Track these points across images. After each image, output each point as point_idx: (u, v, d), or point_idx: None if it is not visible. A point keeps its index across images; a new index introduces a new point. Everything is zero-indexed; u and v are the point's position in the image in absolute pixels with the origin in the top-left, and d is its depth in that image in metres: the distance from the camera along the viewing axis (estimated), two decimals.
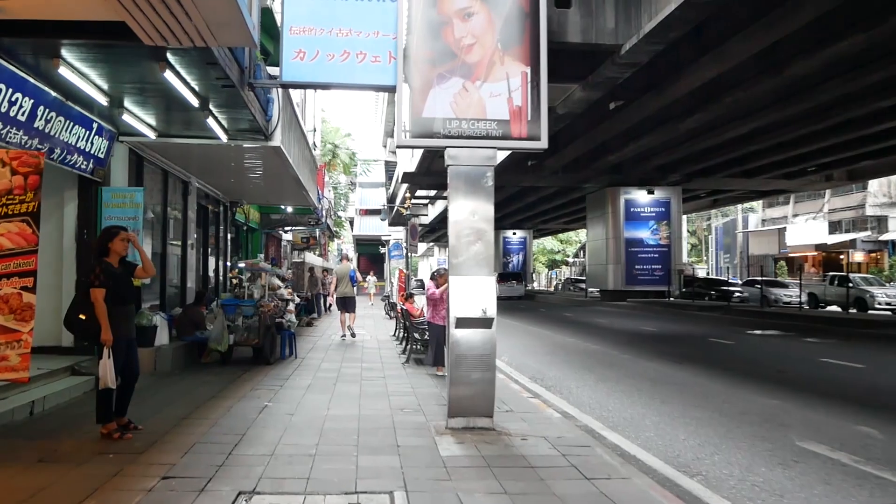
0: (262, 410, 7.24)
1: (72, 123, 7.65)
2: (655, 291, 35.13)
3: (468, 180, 6.78)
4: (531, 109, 6.76)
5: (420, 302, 14.80)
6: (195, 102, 7.52)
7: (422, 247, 76.75)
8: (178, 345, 10.22)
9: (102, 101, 7.44)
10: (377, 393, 8.50)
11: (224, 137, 8.97)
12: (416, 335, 11.47)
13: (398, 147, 7.01)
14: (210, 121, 8.30)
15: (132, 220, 8.54)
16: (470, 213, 6.73)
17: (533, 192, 41.24)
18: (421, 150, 31.24)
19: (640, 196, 35.42)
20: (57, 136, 7.41)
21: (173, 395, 8.20)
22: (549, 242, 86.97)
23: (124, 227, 6.29)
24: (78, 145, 7.97)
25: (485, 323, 6.35)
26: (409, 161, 33.61)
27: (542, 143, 6.82)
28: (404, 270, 24.22)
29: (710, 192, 41.30)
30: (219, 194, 15.38)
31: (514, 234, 62.88)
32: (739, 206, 58.31)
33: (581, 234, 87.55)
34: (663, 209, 35.56)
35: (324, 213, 24.20)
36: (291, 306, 11.25)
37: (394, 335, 16.63)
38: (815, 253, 49.49)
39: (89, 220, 8.87)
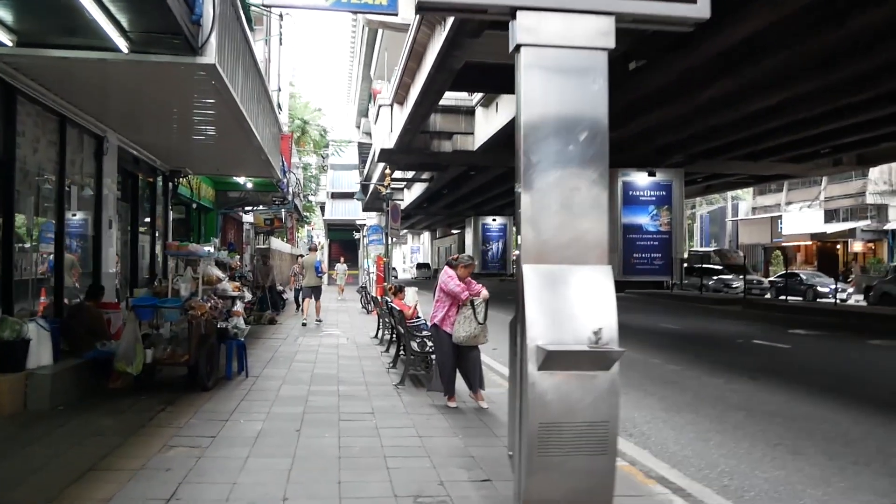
0: None
1: None
2: (655, 282, 32.37)
3: (564, 75, 3.66)
4: None
5: (411, 296, 11.62)
6: None
7: None
8: (69, 365, 6.94)
9: None
10: (367, 452, 5.33)
11: (124, 45, 5.69)
12: (415, 345, 8.33)
13: (420, 9, 3.79)
14: (95, 11, 5.03)
15: None
16: (562, 145, 3.61)
17: None
18: (400, 125, 27.97)
19: (640, 178, 32.47)
20: None
21: (34, 457, 4.99)
22: None
23: None
24: None
25: (600, 360, 3.26)
26: (387, 137, 30.30)
27: (703, 10, 3.70)
28: (383, 257, 21.03)
29: (707, 176, 38.59)
30: (154, 160, 12.00)
31: (494, 220, 59.94)
32: (729, 194, 55.95)
33: None
34: (664, 193, 32.66)
35: (290, 191, 20.85)
36: (239, 306, 8.01)
37: (376, 336, 13.49)
38: (811, 242, 47.26)
39: None
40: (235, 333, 8.05)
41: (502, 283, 51.30)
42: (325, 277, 21.93)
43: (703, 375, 10.01)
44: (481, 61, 19.31)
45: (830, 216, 46.66)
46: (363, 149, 52.46)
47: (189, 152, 11.89)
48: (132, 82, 7.23)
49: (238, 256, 18.93)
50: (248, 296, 19.79)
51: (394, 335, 11.20)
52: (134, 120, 9.38)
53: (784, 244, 49.12)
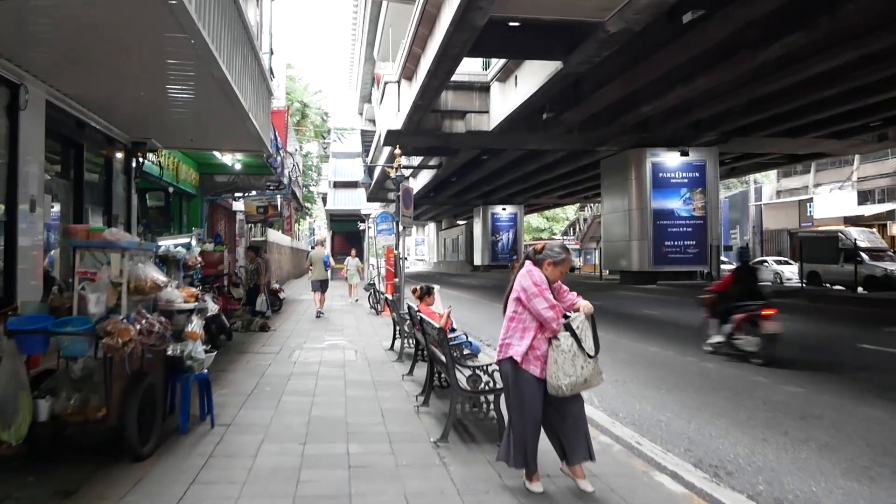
0: None
1: None
2: (688, 272, 29.53)
3: None
4: None
5: (439, 300, 8.88)
6: None
7: None
8: None
9: None
10: None
11: None
12: (464, 379, 5.57)
13: None
14: None
15: None
16: None
17: (535, 159, 35.40)
18: (409, 104, 25.20)
19: (670, 159, 29.67)
20: None
21: None
22: (534, 220, 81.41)
23: None
24: None
25: None
26: (393, 117, 27.51)
27: None
28: (394, 250, 18.27)
29: (736, 157, 35.74)
30: (109, 127, 9.21)
31: (504, 209, 57.25)
32: (752, 177, 53.03)
33: (569, 211, 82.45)
34: (697, 174, 29.88)
35: (287, 174, 18.07)
36: (196, 325, 5.21)
37: (391, 348, 10.78)
38: (844, 226, 44.35)
39: None
40: (190, 366, 5.31)
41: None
42: (330, 272, 19.36)
43: (847, 404, 7.29)
44: (506, 18, 16.54)
45: (864, 197, 43.73)
46: (366, 137, 49.75)
47: (154, 118, 9.08)
48: (64, 7, 4.51)
49: (223, 249, 16.23)
50: (241, 294, 17.33)
51: (422, 352, 8.47)
52: (71, 66, 6.60)
53: (815, 228, 46.20)
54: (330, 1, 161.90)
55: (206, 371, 5.71)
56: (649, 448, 5.58)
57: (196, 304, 5.52)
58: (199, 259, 6.39)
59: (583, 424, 4.41)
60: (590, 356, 4.15)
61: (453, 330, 7.93)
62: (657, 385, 8.45)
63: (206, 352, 5.78)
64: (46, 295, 4.80)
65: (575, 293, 4.58)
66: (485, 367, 5.61)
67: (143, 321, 4.54)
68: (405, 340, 10.03)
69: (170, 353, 5.41)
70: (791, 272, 30.32)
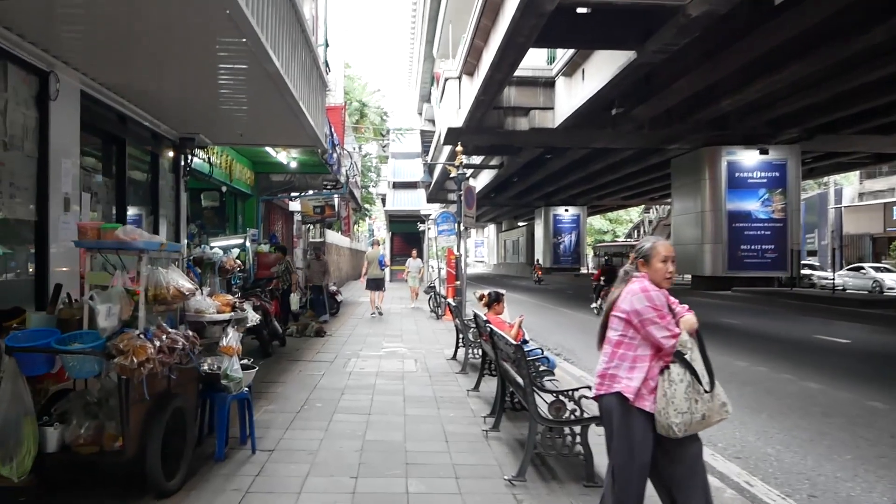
0: None
1: None
2: (765, 278, 27.73)
3: None
4: None
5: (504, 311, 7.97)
6: None
7: None
8: None
9: None
10: None
11: None
12: (544, 407, 4.67)
13: None
14: None
15: None
16: None
17: (600, 159, 34.08)
18: (470, 101, 24.36)
19: (747, 157, 27.97)
20: None
21: None
22: (597, 221, 79.41)
23: None
24: None
25: None
26: (454, 114, 26.70)
27: None
28: (454, 251, 17.44)
29: (816, 157, 33.58)
30: (155, 122, 8.66)
31: (566, 210, 55.74)
32: (831, 179, 50.21)
33: (633, 213, 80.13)
34: (777, 174, 28.07)
35: (343, 173, 17.45)
36: (232, 338, 4.42)
37: (454, 357, 9.94)
38: None
39: None
40: (227, 386, 4.55)
41: (577, 279, 47.32)
42: (388, 271, 18.74)
43: None
44: (575, 2, 15.53)
45: None
46: (426, 137, 49.12)
47: (201, 111, 8.48)
48: None
49: (270, 250, 15.68)
50: (296, 302, 16.77)
51: (489, 365, 7.60)
52: (107, 53, 5.99)
53: None
54: (390, 1, 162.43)
55: (246, 390, 4.96)
56: (763, 491, 4.63)
57: (232, 314, 4.76)
58: (239, 262, 5.58)
59: (700, 472, 3.45)
60: (706, 390, 3.21)
61: (526, 342, 7.03)
62: (755, 408, 7.36)
63: (248, 367, 5.03)
64: (54, 305, 4.10)
65: (676, 300, 3.63)
66: (570, 393, 4.71)
67: (164, 336, 3.79)
68: (469, 350, 9.17)
69: (206, 368, 4.68)
70: (893, 280, 28.07)
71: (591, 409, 4.71)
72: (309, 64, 8.93)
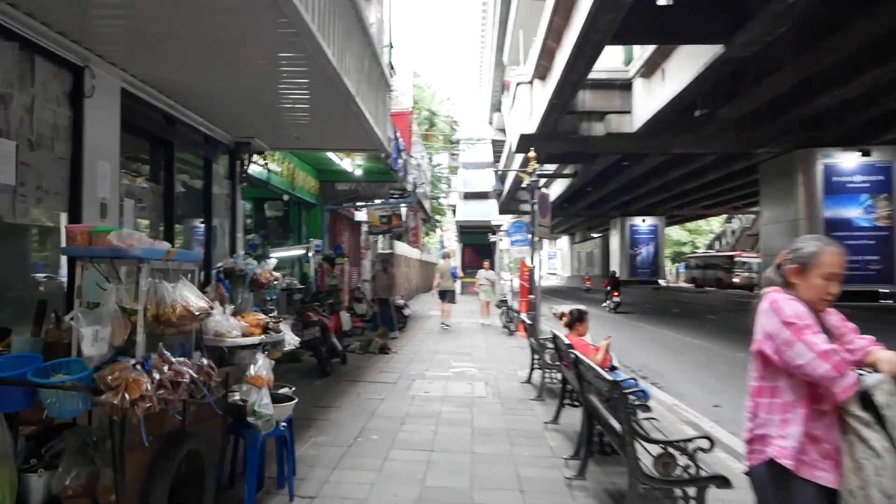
0: None
1: None
2: (869, 292, 25.43)
3: None
4: None
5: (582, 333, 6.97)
6: None
7: None
8: None
9: None
10: None
11: None
12: (646, 461, 3.68)
13: None
14: None
15: None
16: None
17: (680, 165, 32.36)
18: (543, 106, 23.34)
19: (846, 160, 25.84)
20: None
21: None
22: (675, 232, 76.53)
23: None
24: None
25: None
26: (526, 120, 25.70)
27: None
28: (527, 263, 16.44)
29: None
30: (208, 126, 8.06)
31: (644, 221, 53.66)
32: None
33: (713, 223, 76.84)
34: (882, 177, 25.79)
35: (410, 180, 16.73)
36: (262, 367, 3.61)
37: (528, 380, 8.97)
38: None
39: None
40: (257, 423, 3.74)
41: (657, 291, 45.29)
42: (459, 284, 18.01)
43: None
44: None
45: None
46: (497, 147, 48.23)
47: (257, 113, 7.85)
48: None
49: (344, 262, 15.06)
50: (366, 309, 16.12)
51: (569, 393, 6.60)
52: (151, 48, 5.37)
53: None
54: (458, 9, 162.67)
55: (283, 425, 4.15)
56: None
57: (262, 336, 3.95)
58: (277, 275, 4.79)
59: None
60: None
61: (614, 368, 6.03)
62: None
63: (285, 398, 4.22)
64: (39, 326, 3.36)
65: (851, 324, 2.62)
66: (682, 444, 3.69)
67: (167, 367, 3.01)
68: (546, 373, 8.17)
69: (237, 398, 3.90)
70: None
71: (710, 464, 3.68)
72: (372, 64, 8.21)
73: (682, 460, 3.65)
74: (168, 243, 3.49)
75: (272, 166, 11.01)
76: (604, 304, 24.88)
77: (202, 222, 8.43)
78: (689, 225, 76.56)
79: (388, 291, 15.38)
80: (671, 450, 3.70)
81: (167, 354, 3.06)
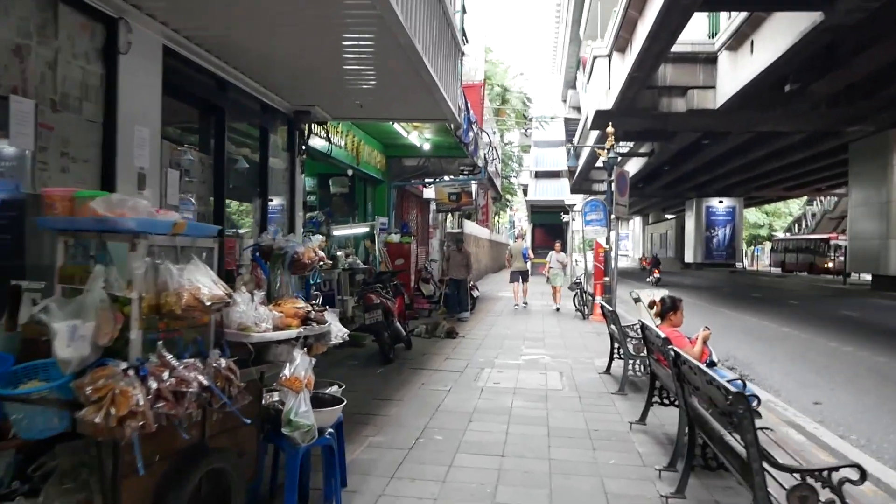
0: None
1: None
2: None
3: None
4: None
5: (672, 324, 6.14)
6: None
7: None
8: None
9: None
10: None
11: None
12: (782, 501, 2.92)
13: None
14: None
15: None
16: None
17: (764, 144, 30.46)
18: (622, 80, 22.13)
19: None
20: None
21: None
22: (751, 214, 73.11)
23: None
24: None
25: None
26: (603, 96, 24.51)
27: None
28: (603, 244, 15.53)
29: None
30: (265, 92, 7.51)
31: (721, 202, 51.35)
32: None
33: (792, 206, 73.03)
34: None
35: (481, 154, 15.98)
36: (300, 367, 3.03)
37: (608, 371, 8.19)
38: None
39: None
40: (294, 432, 3.15)
41: (733, 275, 43.32)
42: (529, 265, 17.27)
43: None
44: None
45: None
46: (570, 126, 46.84)
47: (317, 79, 7.26)
48: None
49: (410, 241, 14.51)
50: (433, 290, 15.55)
51: (661, 391, 5.79)
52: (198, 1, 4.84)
53: None
54: None
55: (328, 434, 3.54)
56: None
57: (300, 329, 3.32)
58: (321, 254, 4.10)
59: None
60: None
61: (712, 363, 5.23)
62: None
63: (331, 401, 3.63)
64: (13, 318, 2.73)
65: None
66: (821, 474, 2.91)
67: (167, 373, 2.41)
68: (629, 363, 7.38)
69: (275, 401, 3.32)
70: None
71: (857, 497, 2.89)
72: (443, 28, 7.50)
73: (826, 494, 2.88)
74: (177, 213, 2.89)
75: (335, 139, 10.46)
76: (648, 279, 28.95)
77: (259, 196, 7.91)
78: (767, 207, 73.15)
79: (463, 272, 14.74)
80: (809, 479, 2.93)
81: (168, 356, 2.45)
